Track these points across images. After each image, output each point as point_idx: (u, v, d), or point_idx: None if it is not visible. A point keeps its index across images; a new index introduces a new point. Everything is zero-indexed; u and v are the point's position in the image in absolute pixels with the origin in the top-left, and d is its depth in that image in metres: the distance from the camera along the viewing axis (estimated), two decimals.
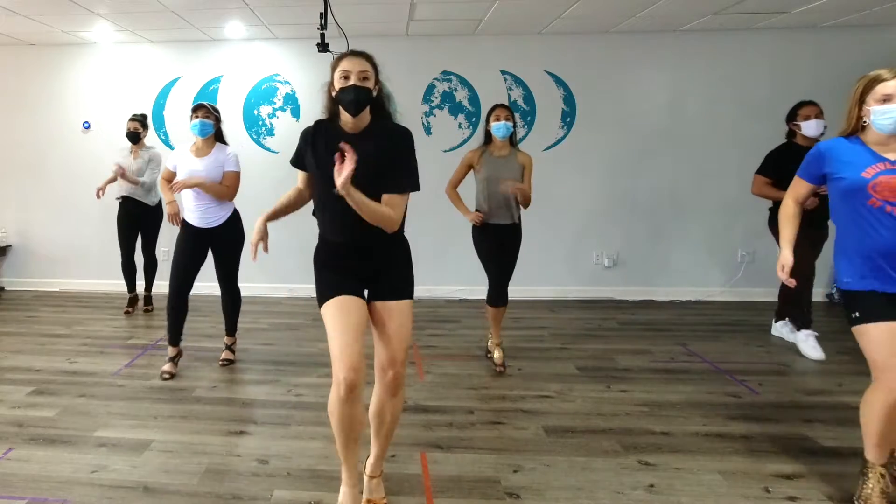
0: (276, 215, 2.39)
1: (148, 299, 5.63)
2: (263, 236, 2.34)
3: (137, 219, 5.38)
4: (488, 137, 3.86)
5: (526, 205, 3.79)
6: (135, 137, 5.27)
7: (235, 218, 3.96)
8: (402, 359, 2.24)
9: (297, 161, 2.37)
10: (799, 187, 2.54)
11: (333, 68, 2.25)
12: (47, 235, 6.42)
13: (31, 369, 4.02)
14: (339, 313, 2.16)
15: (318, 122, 2.34)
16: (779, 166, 4.15)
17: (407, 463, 2.74)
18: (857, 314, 2.28)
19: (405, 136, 2.27)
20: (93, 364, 4.12)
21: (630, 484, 2.56)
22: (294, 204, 2.43)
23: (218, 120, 3.88)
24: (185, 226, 3.90)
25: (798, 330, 4.31)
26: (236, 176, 3.87)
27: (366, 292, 2.29)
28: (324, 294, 2.24)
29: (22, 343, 4.62)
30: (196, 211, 3.84)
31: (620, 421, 3.19)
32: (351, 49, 2.30)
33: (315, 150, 2.27)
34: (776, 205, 4.05)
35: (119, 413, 3.33)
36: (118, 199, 5.35)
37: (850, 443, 2.87)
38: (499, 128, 3.76)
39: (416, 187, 2.25)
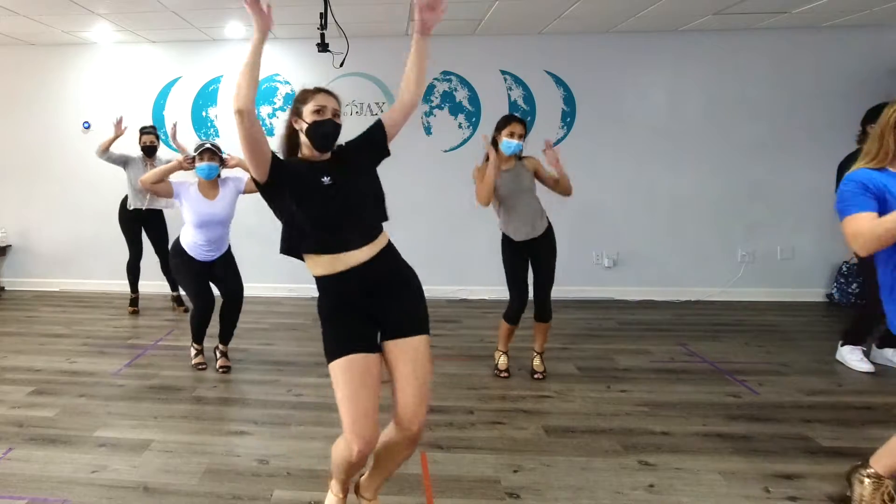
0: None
1: (179, 299, 5.61)
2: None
3: (147, 221, 5.40)
4: (494, 146, 3.66)
5: (566, 186, 3.67)
6: (152, 151, 5.30)
7: (230, 252, 4.04)
8: (425, 409, 2.03)
9: (275, 169, 2.08)
10: (869, 219, 1.99)
11: (302, 101, 2.16)
12: (47, 235, 6.42)
13: (31, 369, 4.02)
14: (352, 377, 1.96)
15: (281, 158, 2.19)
16: None
17: (407, 463, 2.73)
18: None
19: (349, 144, 2.24)
20: (93, 364, 4.12)
21: (630, 484, 2.56)
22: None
23: (222, 159, 3.88)
24: (185, 257, 3.88)
25: (848, 344, 4.03)
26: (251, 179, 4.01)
27: (378, 335, 2.10)
28: (334, 350, 2.02)
29: (22, 343, 4.62)
30: (203, 246, 3.84)
31: (620, 421, 3.19)
32: (317, 87, 2.22)
33: (291, 173, 2.11)
34: None
35: (119, 413, 3.33)
36: (135, 208, 5.31)
37: (850, 443, 2.87)
38: (510, 145, 3.57)
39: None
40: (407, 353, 2.04)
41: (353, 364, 1.98)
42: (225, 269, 3.98)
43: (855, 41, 5.52)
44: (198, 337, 4.07)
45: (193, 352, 4.09)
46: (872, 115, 3.70)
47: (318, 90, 2.18)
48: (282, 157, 2.18)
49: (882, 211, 2.00)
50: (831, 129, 5.41)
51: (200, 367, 4.04)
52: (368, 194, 2.16)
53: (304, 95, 2.18)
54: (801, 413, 3.27)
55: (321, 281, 2.11)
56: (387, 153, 2.27)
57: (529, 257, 3.80)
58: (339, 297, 2.08)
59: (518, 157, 3.75)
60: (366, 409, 1.97)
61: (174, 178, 3.90)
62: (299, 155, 2.19)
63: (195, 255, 3.87)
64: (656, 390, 3.61)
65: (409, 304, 2.13)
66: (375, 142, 2.25)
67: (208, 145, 3.83)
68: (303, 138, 2.14)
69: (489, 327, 4.71)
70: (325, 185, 2.09)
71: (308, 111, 2.12)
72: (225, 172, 3.96)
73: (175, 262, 3.97)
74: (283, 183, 2.09)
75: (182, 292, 5.51)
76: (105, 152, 5.13)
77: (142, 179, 3.85)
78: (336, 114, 2.16)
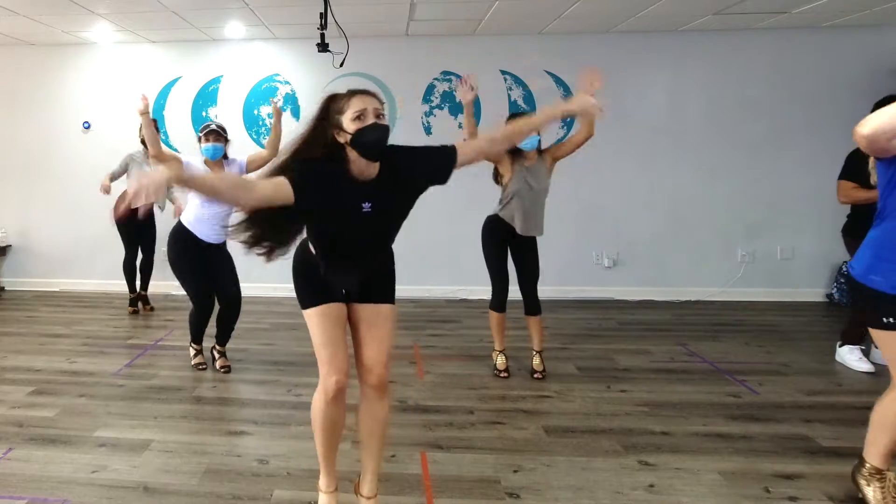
0: (185, 180, 1.91)
1: (146, 299, 5.64)
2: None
3: (149, 224, 5.45)
4: (515, 151, 3.65)
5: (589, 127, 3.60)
6: None
7: (228, 251, 3.95)
8: (388, 360, 2.22)
9: (300, 194, 1.94)
10: None
11: (339, 111, 1.98)
12: (47, 235, 6.42)
13: (31, 369, 4.02)
14: (327, 320, 2.16)
15: (314, 163, 2.00)
16: (864, 167, 3.87)
17: (407, 463, 2.74)
18: (893, 319, 2.16)
19: (399, 147, 2.11)
20: (93, 364, 4.12)
21: (630, 484, 2.56)
22: (224, 192, 1.93)
23: (227, 140, 3.90)
24: (186, 238, 3.82)
25: (847, 344, 4.02)
26: (255, 155, 4.06)
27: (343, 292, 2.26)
28: (310, 299, 2.20)
29: (22, 343, 4.62)
30: (209, 221, 3.77)
31: (620, 421, 3.19)
32: (350, 90, 2.03)
33: (327, 191, 1.99)
34: (854, 213, 3.81)
35: (119, 413, 3.33)
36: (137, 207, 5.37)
37: (850, 443, 2.87)
38: (525, 143, 3.58)
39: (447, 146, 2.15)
40: (374, 314, 2.21)
41: (328, 310, 2.17)
42: (222, 268, 3.92)
43: (855, 41, 5.52)
44: (197, 337, 4.05)
45: (193, 352, 4.08)
46: (880, 107, 3.69)
47: (353, 93, 2.01)
48: (314, 172, 1.98)
49: None
50: (831, 128, 5.41)
51: (201, 367, 4.02)
52: (400, 218, 2.15)
53: (340, 105, 1.99)
54: (801, 413, 3.27)
55: (315, 256, 2.20)
56: (444, 182, 2.14)
57: (511, 248, 3.82)
58: (332, 274, 2.20)
59: (539, 150, 3.76)
60: (340, 346, 2.15)
61: (183, 157, 3.95)
62: (348, 168, 2.01)
63: (198, 232, 3.81)
64: (656, 390, 3.61)
65: (381, 276, 2.26)
66: (438, 172, 2.10)
67: (213, 126, 3.85)
68: (350, 152, 1.99)
69: (489, 327, 4.70)
70: (362, 213, 2.02)
71: (348, 120, 1.96)
72: (234, 158, 3.98)
73: (174, 252, 3.87)
74: (315, 205, 2.00)
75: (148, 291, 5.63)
76: (113, 179, 5.25)
77: (152, 156, 3.87)
78: (379, 114, 1.98)
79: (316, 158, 2.01)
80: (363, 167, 2.02)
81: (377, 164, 2.04)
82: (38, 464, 2.76)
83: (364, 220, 2.05)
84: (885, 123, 1.96)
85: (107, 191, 5.18)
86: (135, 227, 5.43)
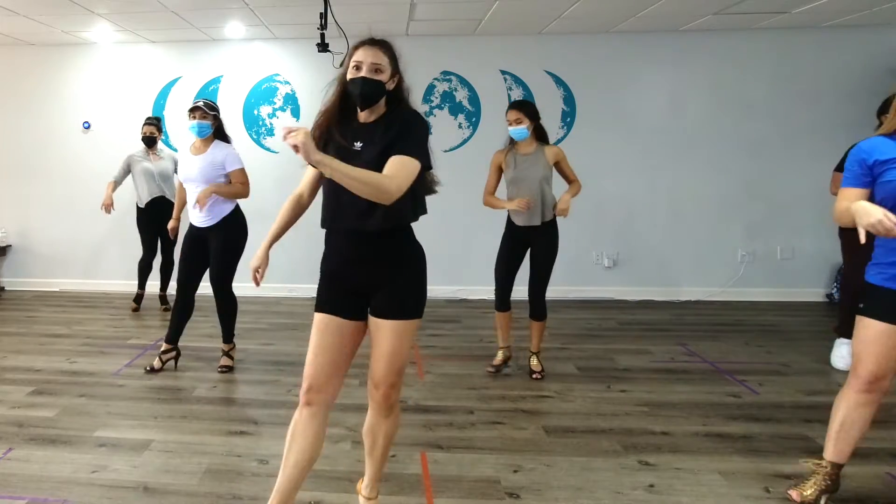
0: (278, 236, 2.23)
1: (164, 299, 5.63)
2: (263, 263, 2.21)
3: (165, 219, 5.38)
4: (511, 142, 3.76)
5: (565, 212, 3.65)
6: (151, 141, 5.34)
7: (232, 220, 3.87)
8: (394, 381, 2.11)
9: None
10: (850, 197, 2.19)
11: (349, 56, 2.08)
12: (47, 235, 6.42)
13: (31, 369, 4.02)
14: (321, 331, 2.09)
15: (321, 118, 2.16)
16: None
17: (407, 463, 2.74)
18: (862, 305, 2.25)
19: (414, 114, 2.10)
20: (93, 364, 4.12)
21: (630, 484, 2.56)
22: (294, 216, 2.24)
23: (216, 118, 3.86)
24: (189, 226, 3.93)
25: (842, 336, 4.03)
26: (242, 172, 3.85)
27: (365, 308, 2.15)
28: (318, 303, 2.15)
29: (22, 343, 4.62)
30: (190, 204, 3.87)
31: (620, 421, 3.19)
32: (370, 37, 2.09)
33: (331, 137, 2.08)
34: None
35: (119, 413, 3.33)
36: (145, 204, 5.35)
37: None
38: (513, 132, 3.66)
39: (416, 155, 1.97)
40: (387, 333, 2.08)
41: (329, 322, 2.09)
42: (215, 249, 3.86)
43: (855, 41, 5.52)
44: (169, 330, 3.96)
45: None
46: (887, 106, 3.72)
47: (362, 43, 2.06)
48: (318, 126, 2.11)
49: (871, 179, 2.21)
50: (831, 128, 5.41)
51: (146, 367, 3.93)
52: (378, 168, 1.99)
53: (351, 50, 2.08)
54: (801, 413, 3.27)
55: (328, 239, 2.17)
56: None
57: (528, 246, 3.82)
58: (339, 261, 2.12)
59: (541, 138, 3.75)
60: (319, 361, 2.06)
61: (178, 156, 4.00)
62: (356, 110, 2.08)
63: (192, 219, 3.88)
64: (656, 390, 3.61)
65: (402, 285, 2.11)
66: (407, 130, 2.04)
67: (199, 103, 3.81)
68: None
69: (489, 327, 4.70)
70: (353, 151, 2.02)
71: (349, 67, 2.05)
72: (225, 147, 3.86)
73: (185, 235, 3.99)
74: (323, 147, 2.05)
75: (167, 292, 5.63)
76: (117, 185, 5.27)
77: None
78: (376, 69, 2.01)
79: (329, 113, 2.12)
80: (366, 114, 2.08)
81: (378, 111, 2.08)
82: (38, 464, 2.76)
83: (353, 160, 1.93)
84: (839, 220, 2.23)
85: (108, 209, 5.17)
86: (156, 230, 5.39)
